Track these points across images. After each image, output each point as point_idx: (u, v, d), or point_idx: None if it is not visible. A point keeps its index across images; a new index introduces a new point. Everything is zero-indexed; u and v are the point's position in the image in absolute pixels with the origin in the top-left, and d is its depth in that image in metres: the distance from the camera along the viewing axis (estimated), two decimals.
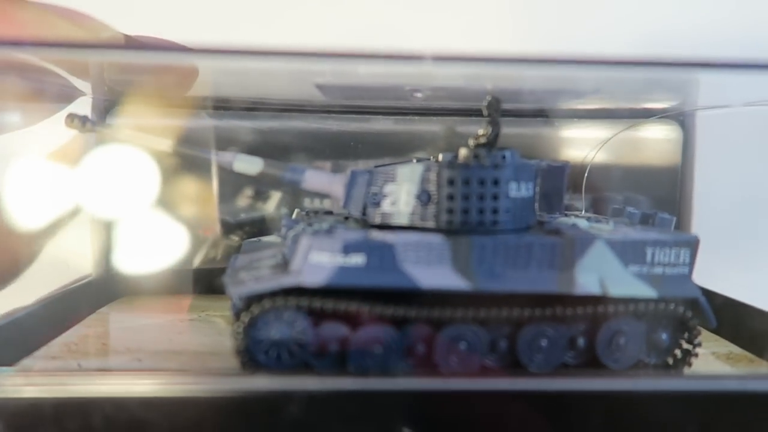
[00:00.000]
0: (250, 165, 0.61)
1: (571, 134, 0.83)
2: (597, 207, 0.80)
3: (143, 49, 0.53)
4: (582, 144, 0.83)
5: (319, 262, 0.52)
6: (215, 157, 0.61)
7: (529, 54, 0.46)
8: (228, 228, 0.85)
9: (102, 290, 0.78)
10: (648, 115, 0.77)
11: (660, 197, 0.80)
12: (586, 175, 0.77)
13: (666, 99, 0.71)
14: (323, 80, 0.58)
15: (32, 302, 0.65)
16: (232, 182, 0.83)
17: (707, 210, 0.78)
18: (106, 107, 0.75)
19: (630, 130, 0.78)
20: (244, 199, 0.86)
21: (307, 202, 0.85)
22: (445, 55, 0.45)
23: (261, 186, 0.85)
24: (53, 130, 0.70)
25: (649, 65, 0.50)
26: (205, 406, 0.44)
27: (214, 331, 0.69)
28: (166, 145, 0.61)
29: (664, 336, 0.58)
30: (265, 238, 0.69)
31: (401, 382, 0.47)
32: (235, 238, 0.84)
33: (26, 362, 0.58)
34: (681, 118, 0.78)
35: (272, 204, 0.86)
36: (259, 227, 0.85)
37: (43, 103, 0.69)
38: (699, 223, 0.78)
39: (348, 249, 0.52)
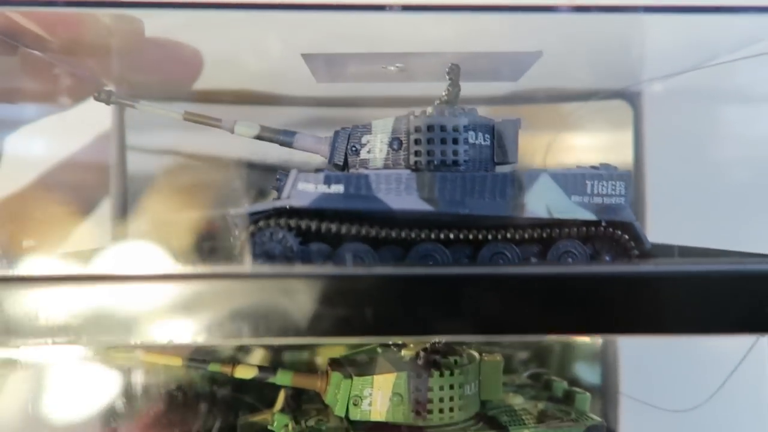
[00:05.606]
0: (248, 129, 0.71)
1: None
2: None
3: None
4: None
5: (304, 189, 0.62)
6: (220, 124, 0.71)
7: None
8: None
9: None
10: (595, 95, 0.87)
11: None
12: None
13: (612, 73, 0.81)
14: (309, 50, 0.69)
15: None
16: None
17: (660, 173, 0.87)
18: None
19: (579, 111, 0.88)
20: None
21: None
22: (412, 4, 0.55)
23: None
24: None
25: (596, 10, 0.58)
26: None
27: None
28: (177, 113, 0.72)
29: (607, 258, 0.66)
30: None
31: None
32: None
33: None
34: (630, 95, 0.88)
35: None
36: None
37: (70, 92, 0.81)
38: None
39: (329, 179, 0.62)
